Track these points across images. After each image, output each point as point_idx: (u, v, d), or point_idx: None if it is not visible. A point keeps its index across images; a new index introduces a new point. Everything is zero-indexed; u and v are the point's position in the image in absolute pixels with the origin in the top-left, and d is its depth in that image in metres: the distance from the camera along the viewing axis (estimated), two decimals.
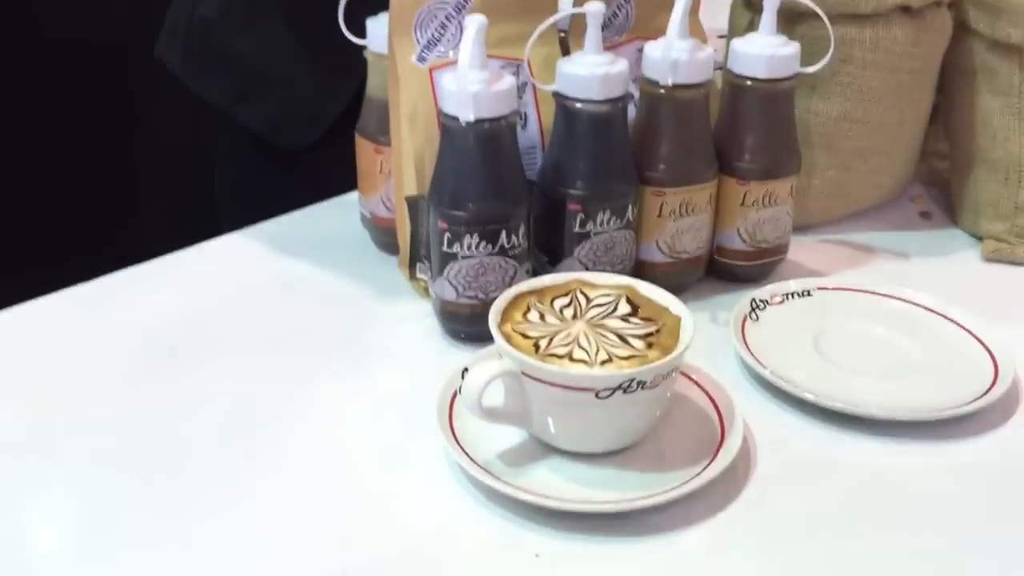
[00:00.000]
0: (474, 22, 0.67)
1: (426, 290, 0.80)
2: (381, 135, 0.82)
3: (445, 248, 0.71)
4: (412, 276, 0.80)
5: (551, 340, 0.60)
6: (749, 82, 0.76)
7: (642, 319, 0.62)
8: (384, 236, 0.87)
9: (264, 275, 0.86)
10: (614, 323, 0.62)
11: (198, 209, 1.15)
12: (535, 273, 0.74)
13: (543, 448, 0.62)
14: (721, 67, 0.79)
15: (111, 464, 0.63)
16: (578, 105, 0.71)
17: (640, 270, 0.78)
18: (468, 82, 0.67)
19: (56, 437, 0.66)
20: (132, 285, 0.84)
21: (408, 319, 0.79)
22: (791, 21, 0.83)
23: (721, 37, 0.92)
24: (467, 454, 0.60)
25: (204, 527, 0.58)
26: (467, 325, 0.74)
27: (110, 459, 0.63)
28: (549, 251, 0.76)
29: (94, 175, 1.47)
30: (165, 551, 0.56)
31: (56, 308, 0.81)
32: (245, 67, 1.09)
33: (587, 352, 0.59)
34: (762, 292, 0.78)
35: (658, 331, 0.61)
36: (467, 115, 0.67)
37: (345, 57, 0.84)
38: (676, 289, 0.67)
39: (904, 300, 0.77)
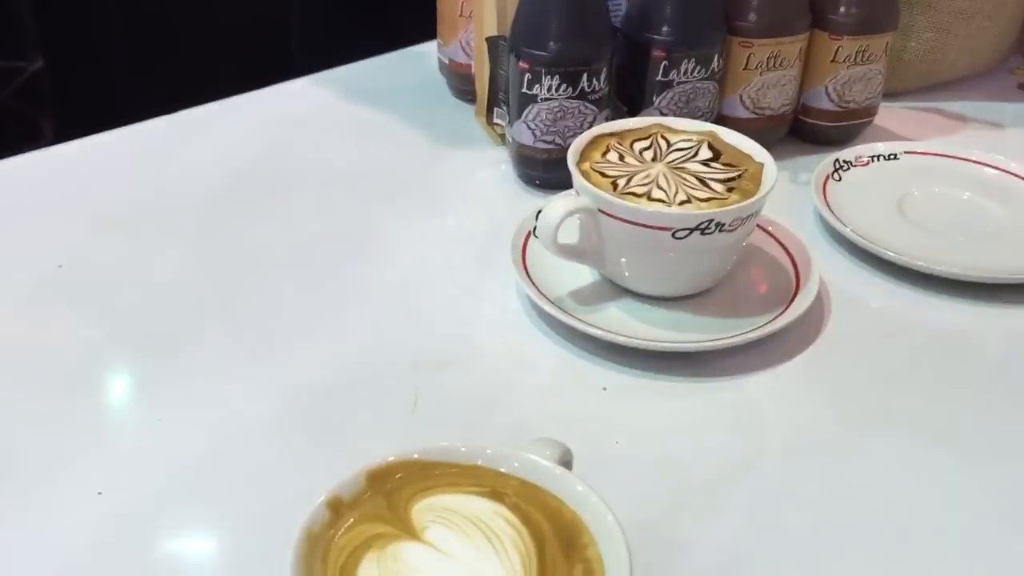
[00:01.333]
0: None
1: (502, 137, 0.79)
2: None
3: (524, 90, 0.70)
4: (489, 122, 0.79)
5: (630, 179, 0.59)
6: None
7: (723, 164, 0.61)
8: (461, 83, 0.86)
9: (339, 117, 0.86)
10: (694, 167, 0.61)
11: (274, 64, 1.15)
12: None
13: (614, 289, 0.62)
14: None
15: (192, 288, 0.65)
16: None
17: (722, 124, 0.75)
18: None
19: (140, 260, 0.67)
20: (211, 120, 0.85)
21: (482, 165, 0.79)
22: None
23: None
24: (539, 290, 0.61)
25: (283, 349, 0.59)
26: (542, 170, 0.73)
27: (192, 284, 0.65)
28: (629, 100, 0.75)
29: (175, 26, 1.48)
30: (245, 370, 0.58)
31: (136, 139, 0.82)
32: None
33: (666, 192, 0.58)
34: (846, 153, 0.76)
35: (739, 176, 0.60)
36: None
37: None
38: None
39: (994, 167, 0.74)
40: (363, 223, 0.72)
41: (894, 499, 0.50)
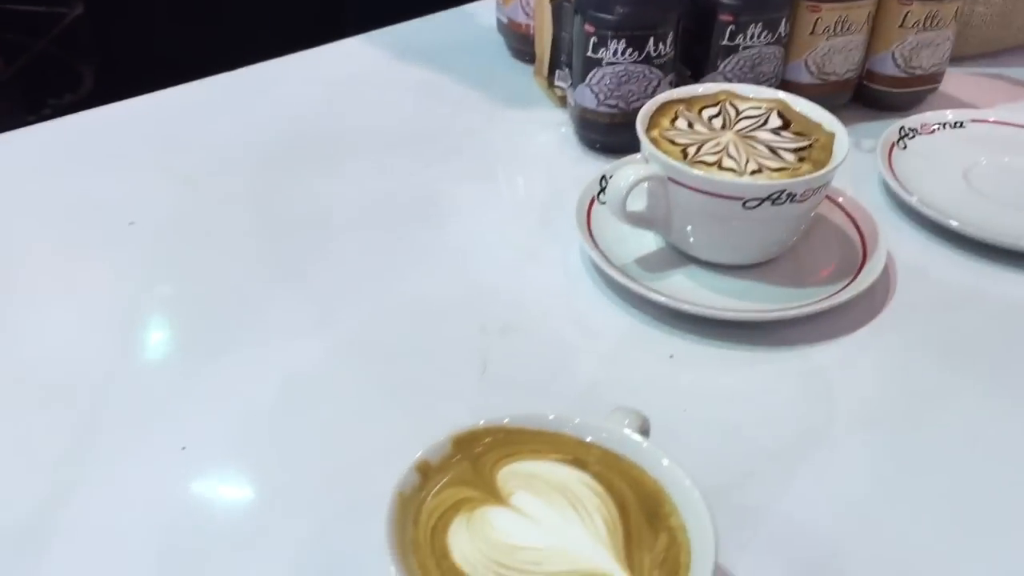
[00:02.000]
0: None
1: (562, 99, 0.79)
2: None
3: (590, 53, 0.70)
4: (550, 84, 0.79)
5: (700, 148, 0.59)
6: None
7: (794, 134, 0.61)
8: (519, 43, 0.86)
9: (395, 76, 0.86)
10: (765, 135, 0.60)
11: (321, 29, 1.14)
12: (677, 87, 0.72)
13: (680, 257, 0.63)
14: None
15: (260, 246, 0.66)
16: None
17: (785, 90, 0.75)
18: None
19: (208, 216, 0.68)
20: (268, 78, 0.86)
21: (542, 127, 0.79)
22: None
23: None
24: (605, 256, 0.61)
25: (350, 310, 0.60)
26: (604, 135, 0.73)
27: (259, 242, 0.66)
28: (693, 64, 0.74)
29: None
30: (315, 329, 0.59)
31: (195, 96, 0.83)
32: None
33: (736, 161, 0.58)
34: (912, 120, 0.75)
35: (810, 146, 0.60)
36: None
37: None
38: None
39: None
40: (422, 184, 0.72)
41: (962, 470, 0.50)
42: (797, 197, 0.57)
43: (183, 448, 0.50)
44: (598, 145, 0.75)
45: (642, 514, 0.39)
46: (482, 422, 0.41)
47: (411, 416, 0.52)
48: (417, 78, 0.86)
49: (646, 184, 0.60)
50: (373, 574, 0.42)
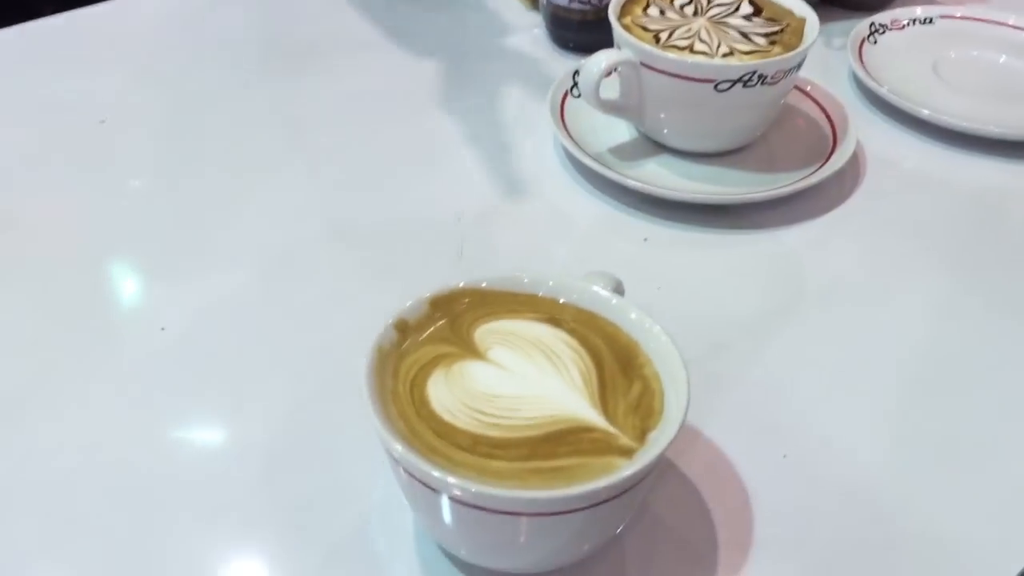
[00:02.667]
0: None
1: (533, 2, 0.79)
2: None
3: None
4: None
5: (671, 33, 0.59)
6: None
7: (765, 19, 0.61)
8: None
9: None
10: (736, 21, 0.60)
11: None
12: None
13: (653, 145, 0.63)
14: None
15: (240, 142, 0.65)
16: None
17: None
18: None
19: (184, 115, 0.68)
20: None
21: (515, 29, 0.78)
22: None
23: None
24: (578, 146, 0.61)
25: (329, 198, 0.60)
26: (576, 32, 0.73)
27: (238, 138, 0.66)
28: None
29: None
30: (294, 217, 0.59)
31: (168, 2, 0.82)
32: None
33: (708, 45, 0.58)
34: (882, 16, 0.75)
35: (781, 30, 0.60)
36: None
37: None
38: None
39: None
40: (397, 82, 0.72)
41: (925, 340, 0.51)
42: (768, 79, 0.57)
43: (162, 328, 0.51)
44: (571, 44, 0.75)
45: (617, 365, 0.39)
46: (461, 283, 0.42)
47: (388, 297, 0.52)
48: None
49: (619, 72, 0.60)
50: (352, 443, 0.43)
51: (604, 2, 0.69)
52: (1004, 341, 0.52)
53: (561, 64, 0.73)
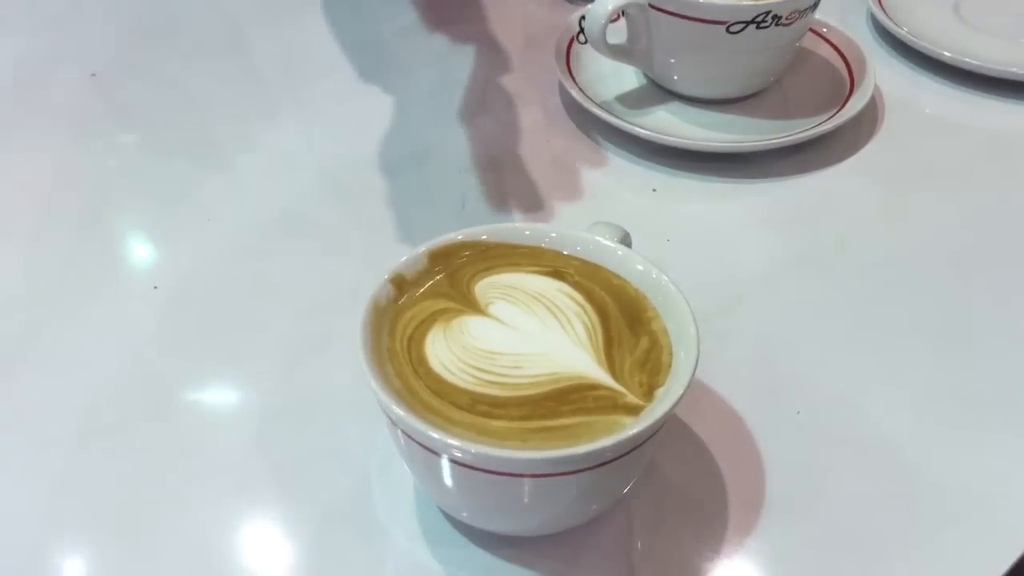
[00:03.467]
0: None
1: None
2: None
3: None
4: None
5: None
6: None
7: None
8: None
9: None
10: None
11: None
12: None
13: (663, 93, 0.61)
14: None
15: (234, 93, 0.64)
16: None
17: None
18: None
19: (176, 69, 0.66)
20: None
21: None
22: None
23: None
24: (585, 94, 0.59)
25: (328, 149, 0.59)
26: None
27: (232, 90, 0.64)
28: None
29: None
30: (292, 169, 0.57)
31: None
32: None
33: None
34: None
35: None
36: None
37: None
38: None
39: None
40: (398, 32, 0.69)
41: (943, 292, 0.49)
42: (783, 20, 0.55)
43: (155, 287, 0.49)
44: None
45: (623, 319, 0.38)
46: (459, 236, 0.40)
47: (388, 251, 0.51)
48: None
49: (626, 15, 0.58)
50: (351, 403, 0.42)
51: None
52: (1023, 294, 0.50)
53: (567, 10, 0.70)
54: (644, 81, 0.62)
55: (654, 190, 0.56)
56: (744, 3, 0.54)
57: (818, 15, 0.60)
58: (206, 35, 0.69)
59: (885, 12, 0.67)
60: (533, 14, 0.72)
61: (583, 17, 0.64)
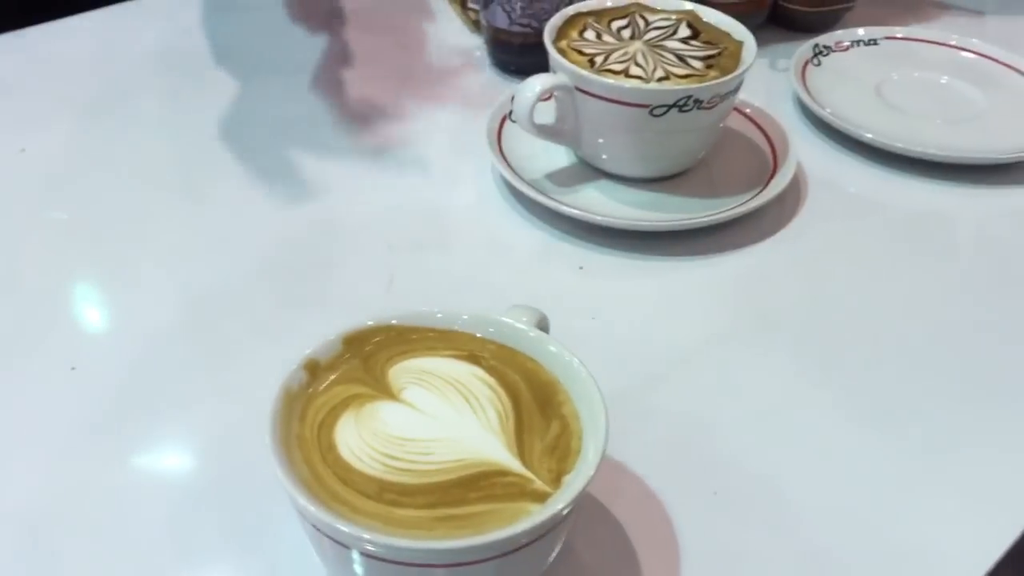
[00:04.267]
0: None
1: (476, 23, 0.78)
2: None
3: None
4: (463, 6, 0.78)
5: (607, 57, 0.58)
6: None
7: (703, 42, 0.60)
8: None
9: (314, 5, 0.84)
10: (673, 45, 0.60)
11: None
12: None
13: (591, 171, 0.62)
14: None
15: (157, 169, 0.64)
16: None
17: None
18: None
19: (103, 142, 0.66)
20: (158, 7, 0.83)
21: (457, 52, 0.77)
22: None
23: None
24: (515, 172, 0.60)
25: (252, 224, 0.59)
26: (517, 56, 0.72)
27: (156, 165, 0.64)
28: None
29: None
30: (215, 245, 0.57)
31: (91, 25, 0.80)
32: None
33: (644, 70, 0.57)
34: (826, 38, 0.75)
35: (719, 54, 0.59)
36: None
37: None
38: None
39: (972, 51, 0.74)
40: (336, 109, 0.70)
41: (862, 367, 0.50)
42: (704, 103, 0.56)
43: (72, 368, 0.49)
44: (512, 67, 0.73)
45: (535, 403, 0.38)
46: (370, 321, 0.40)
47: (313, 330, 0.50)
48: (330, 4, 0.84)
49: (555, 95, 0.59)
50: (264, 487, 0.41)
51: (544, 24, 0.68)
52: (941, 371, 0.51)
53: (503, 88, 0.72)
54: (575, 159, 0.63)
55: (581, 267, 0.56)
56: (665, 87, 0.55)
57: (746, 95, 0.62)
58: (137, 109, 0.69)
59: (808, 92, 0.69)
60: (471, 89, 0.73)
61: (514, 95, 0.65)
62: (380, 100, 0.71)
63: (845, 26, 0.79)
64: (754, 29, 0.76)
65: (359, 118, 0.69)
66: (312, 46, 0.77)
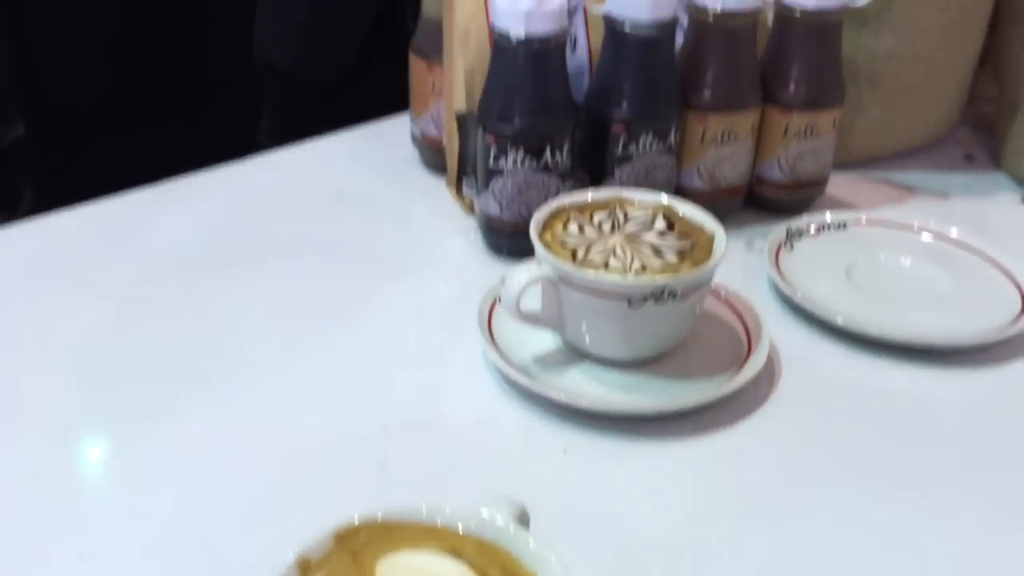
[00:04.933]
0: None
1: (471, 207, 0.83)
2: (434, 53, 0.84)
3: (491, 163, 0.74)
4: (458, 192, 0.83)
5: (588, 249, 0.63)
6: (798, 13, 0.77)
7: (678, 234, 0.64)
8: (433, 155, 0.90)
9: (313, 187, 0.89)
10: (650, 236, 0.64)
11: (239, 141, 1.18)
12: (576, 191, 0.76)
13: (576, 354, 0.65)
14: None
15: (171, 356, 0.67)
16: (626, 27, 0.73)
17: (680, 195, 0.79)
18: (520, 2, 0.69)
19: (121, 328, 0.70)
20: (190, 191, 0.88)
21: (452, 234, 0.82)
22: None
23: None
24: (504, 356, 0.64)
25: (256, 415, 0.62)
26: (509, 240, 0.77)
27: (170, 351, 0.68)
28: (592, 171, 0.79)
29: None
30: (220, 436, 0.60)
31: (118, 209, 0.85)
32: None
33: (622, 262, 0.61)
34: (798, 222, 0.80)
35: (692, 247, 0.63)
36: (518, 31, 0.69)
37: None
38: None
39: (935, 233, 0.78)
40: (335, 291, 0.74)
41: (839, 554, 0.52)
42: (679, 295, 0.60)
43: (78, 558, 0.51)
44: (504, 250, 0.78)
45: None
46: (356, 518, 0.43)
47: (310, 518, 0.53)
48: (335, 190, 0.89)
49: (540, 285, 0.63)
50: None
51: (533, 212, 0.73)
52: (918, 557, 0.52)
53: (495, 269, 0.76)
54: (562, 343, 0.66)
55: (565, 451, 0.59)
56: (642, 281, 0.60)
57: (721, 275, 0.66)
58: (151, 295, 0.73)
59: (782, 276, 0.73)
60: (465, 273, 0.77)
61: (503, 277, 0.69)
62: (378, 281, 0.75)
63: (818, 207, 0.84)
64: (732, 211, 0.82)
65: (358, 299, 0.73)
66: (314, 231, 0.82)
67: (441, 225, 0.83)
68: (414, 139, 0.91)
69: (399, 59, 0.89)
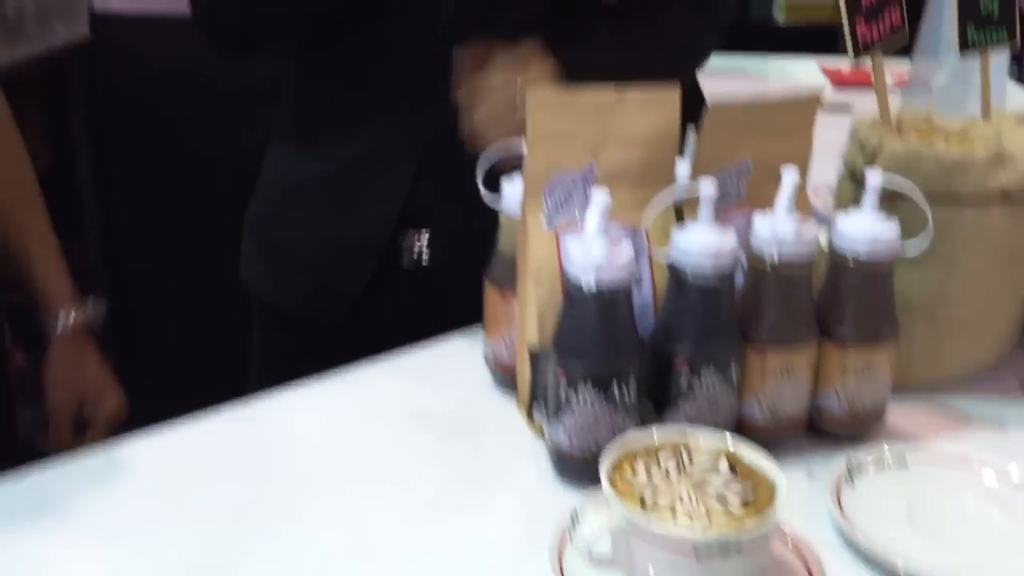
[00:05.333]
0: (599, 199, 0.76)
1: (542, 431, 0.87)
2: (507, 283, 0.91)
3: (562, 395, 0.78)
4: (530, 416, 0.87)
5: (656, 496, 0.66)
6: (851, 262, 0.82)
7: (740, 480, 0.68)
8: (504, 377, 0.94)
9: (383, 406, 0.93)
10: (715, 482, 0.67)
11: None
12: (643, 422, 0.80)
13: None
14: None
15: None
16: (689, 277, 0.79)
17: (741, 428, 0.83)
18: (592, 255, 0.75)
19: (189, 558, 0.74)
20: (253, 414, 0.92)
21: (523, 455, 0.85)
22: (892, 197, 0.88)
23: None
24: None
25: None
26: (579, 471, 0.80)
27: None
28: (656, 403, 0.83)
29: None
30: None
31: (186, 439, 0.88)
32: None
33: (689, 510, 0.65)
34: (857, 456, 0.82)
35: (755, 494, 0.66)
36: (589, 283, 0.75)
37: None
38: (774, 447, 0.72)
39: (997, 472, 0.80)
40: (406, 515, 0.78)
41: None
42: (743, 548, 0.63)
43: None
44: (573, 479, 0.81)
45: None
46: None
47: None
48: (405, 408, 0.92)
49: (610, 531, 0.66)
50: None
51: (602, 444, 0.77)
52: None
53: (566, 496, 0.79)
54: None
55: None
56: (708, 536, 0.63)
57: (785, 516, 0.68)
58: (211, 529, 0.78)
59: (843, 512, 0.75)
60: (536, 499, 0.80)
61: (574, 513, 0.72)
62: (450, 508, 0.79)
63: (876, 435, 0.86)
64: (793, 439, 0.85)
65: (430, 526, 0.77)
66: (387, 454, 0.86)
67: (512, 445, 0.87)
68: (487, 359, 0.97)
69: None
